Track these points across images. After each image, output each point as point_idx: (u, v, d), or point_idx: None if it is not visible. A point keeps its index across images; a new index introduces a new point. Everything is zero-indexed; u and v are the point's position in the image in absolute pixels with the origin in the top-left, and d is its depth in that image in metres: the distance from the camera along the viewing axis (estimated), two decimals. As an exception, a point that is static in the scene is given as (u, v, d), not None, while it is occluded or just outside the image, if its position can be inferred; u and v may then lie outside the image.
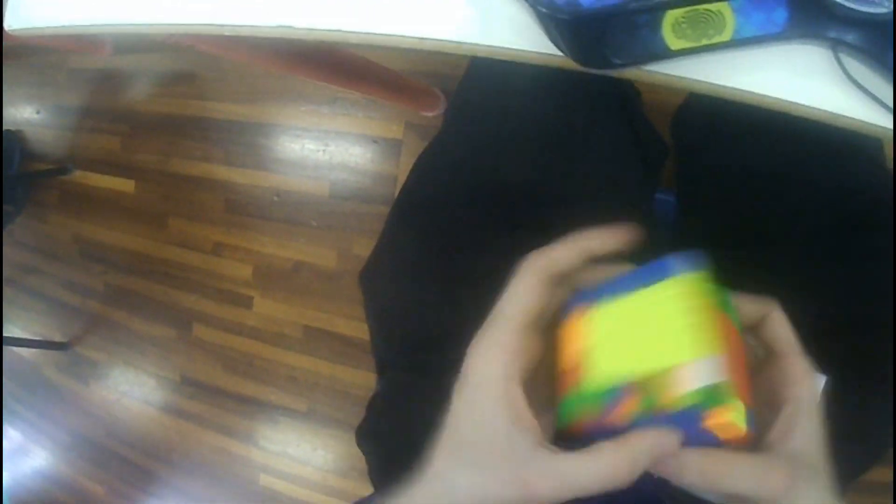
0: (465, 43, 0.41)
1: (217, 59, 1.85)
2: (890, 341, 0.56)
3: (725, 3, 0.37)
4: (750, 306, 0.39)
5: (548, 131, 0.63)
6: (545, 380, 0.38)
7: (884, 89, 0.37)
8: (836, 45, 0.37)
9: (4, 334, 2.42)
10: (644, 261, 0.38)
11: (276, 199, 1.81)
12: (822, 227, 0.59)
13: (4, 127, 2.35)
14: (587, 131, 0.64)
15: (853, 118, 0.38)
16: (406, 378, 0.63)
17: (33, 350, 2.36)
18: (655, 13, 0.37)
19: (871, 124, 0.38)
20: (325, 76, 1.25)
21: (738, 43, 0.38)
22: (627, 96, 0.71)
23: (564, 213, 0.61)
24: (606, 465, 0.32)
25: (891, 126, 0.37)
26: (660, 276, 0.36)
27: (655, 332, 0.34)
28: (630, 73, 0.40)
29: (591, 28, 0.36)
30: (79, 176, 2.20)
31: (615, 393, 0.34)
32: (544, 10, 0.35)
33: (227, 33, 0.44)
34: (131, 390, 2.14)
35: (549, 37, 0.38)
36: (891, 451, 0.59)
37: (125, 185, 2.09)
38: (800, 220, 0.60)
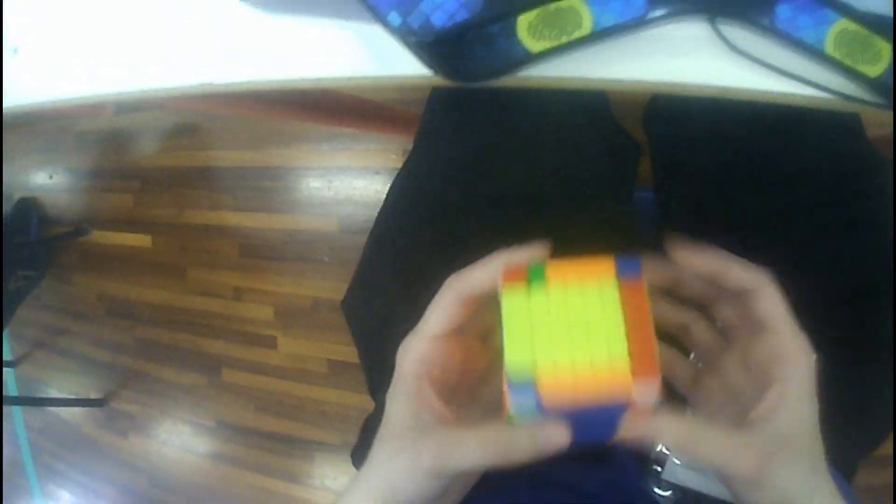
0: (354, 77, 0.44)
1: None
2: (884, 309, 0.55)
3: None
4: (741, 274, 0.37)
5: (511, 151, 0.64)
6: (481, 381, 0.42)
7: (771, 52, 0.36)
8: (712, 18, 0.37)
9: (42, 395, 2.49)
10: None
11: (287, 239, 1.85)
12: (805, 202, 0.59)
13: (20, 194, 2.43)
14: (551, 145, 0.65)
15: (746, 88, 0.37)
16: None
17: (71, 409, 2.42)
18: (507, 21, 0.37)
19: (765, 91, 0.37)
20: (314, 118, 1.28)
21: (602, 34, 0.37)
22: (591, 99, 0.71)
23: (536, 228, 0.63)
24: (484, 441, 0.35)
25: (785, 89, 0.36)
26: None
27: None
28: (505, 81, 0.40)
29: (449, 45, 0.38)
30: (97, 236, 2.26)
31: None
32: (403, 35, 0.37)
33: (161, 95, 0.49)
34: (169, 439, 2.18)
35: (418, 59, 0.40)
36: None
37: (142, 240, 2.14)
38: (782, 197, 0.60)
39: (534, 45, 0.38)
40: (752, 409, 0.36)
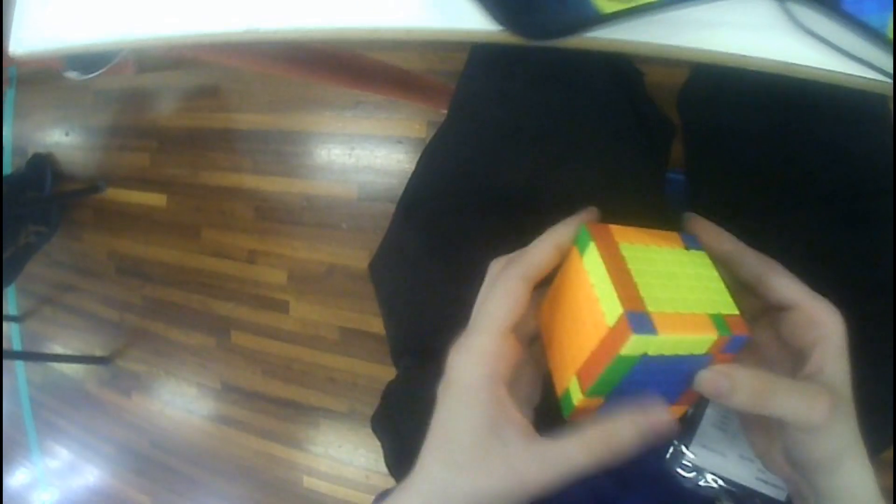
0: (413, 29, 0.41)
1: (239, 71, 1.89)
2: None
3: None
4: (752, 266, 0.39)
5: (550, 120, 0.63)
6: (526, 380, 0.40)
7: (836, 33, 0.37)
8: (783, -6, 0.37)
9: (46, 351, 2.49)
10: None
11: (305, 204, 1.84)
12: (832, 193, 0.59)
13: (35, 150, 2.42)
14: (589, 118, 0.64)
15: (807, 66, 0.38)
16: (417, 364, 0.64)
17: (75, 366, 2.42)
18: None
19: (826, 70, 0.38)
20: (342, 80, 1.27)
21: (674, 1, 0.37)
22: (629, 77, 0.71)
23: (570, 203, 0.62)
24: (588, 443, 0.34)
25: (845, 70, 0.38)
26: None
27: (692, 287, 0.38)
28: (571, 41, 0.39)
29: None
30: (111, 193, 2.25)
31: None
32: None
33: (203, 41, 0.47)
34: (173, 400, 2.18)
35: (486, 12, 0.39)
36: None
37: (157, 199, 2.14)
38: (809, 186, 0.60)
39: (606, 5, 0.37)
40: (795, 374, 0.37)
